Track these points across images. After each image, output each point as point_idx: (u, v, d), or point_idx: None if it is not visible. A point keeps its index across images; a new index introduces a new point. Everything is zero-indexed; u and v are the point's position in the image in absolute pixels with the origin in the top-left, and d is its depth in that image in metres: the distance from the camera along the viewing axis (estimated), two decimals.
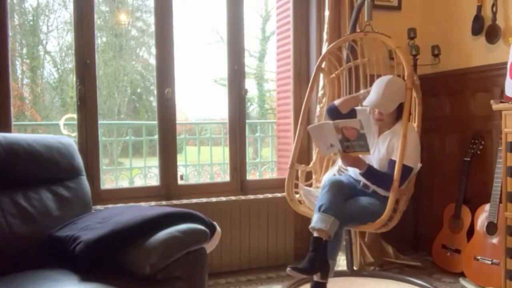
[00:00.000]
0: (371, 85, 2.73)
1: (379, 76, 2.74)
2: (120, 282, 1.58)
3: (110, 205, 2.59)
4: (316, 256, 2.24)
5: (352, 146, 2.32)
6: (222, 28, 8.31)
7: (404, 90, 2.43)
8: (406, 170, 2.37)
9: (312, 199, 2.54)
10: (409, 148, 2.35)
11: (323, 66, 2.88)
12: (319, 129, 2.43)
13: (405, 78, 2.48)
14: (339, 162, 2.75)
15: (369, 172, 2.38)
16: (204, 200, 2.89)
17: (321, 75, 2.96)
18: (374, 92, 2.48)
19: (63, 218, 1.95)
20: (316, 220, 2.27)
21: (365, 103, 2.52)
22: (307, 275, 2.28)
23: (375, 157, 2.46)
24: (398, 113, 2.45)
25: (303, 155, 3.09)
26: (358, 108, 2.61)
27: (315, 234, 2.26)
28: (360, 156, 2.38)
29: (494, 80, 2.81)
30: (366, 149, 2.31)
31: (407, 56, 2.48)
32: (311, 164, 2.92)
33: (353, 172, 2.54)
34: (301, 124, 2.75)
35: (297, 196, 2.70)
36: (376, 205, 2.38)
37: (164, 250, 1.63)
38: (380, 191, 2.44)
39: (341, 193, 2.36)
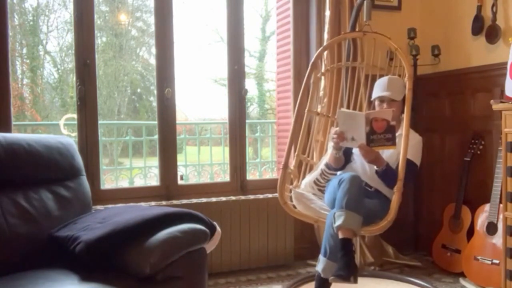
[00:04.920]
0: (371, 85, 2.74)
1: (374, 75, 2.77)
2: (120, 282, 1.58)
3: (110, 205, 2.59)
4: (351, 259, 2.09)
5: (377, 140, 2.21)
6: (222, 28, 8.33)
7: (404, 84, 2.52)
8: (412, 166, 2.36)
9: (308, 202, 2.46)
10: (413, 146, 2.38)
11: (323, 65, 2.89)
12: (348, 117, 2.30)
13: (406, 79, 2.52)
14: (321, 166, 2.68)
15: (386, 170, 2.31)
16: (204, 200, 2.89)
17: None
18: (380, 87, 2.55)
19: (63, 218, 1.95)
20: (345, 218, 2.11)
21: (374, 97, 2.56)
22: (348, 282, 2.07)
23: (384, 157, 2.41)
24: (403, 107, 2.50)
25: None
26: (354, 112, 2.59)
27: (341, 235, 2.12)
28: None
29: (494, 80, 2.81)
30: (393, 143, 2.21)
31: (408, 58, 2.51)
32: (289, 170, 2.68)
33: (353, 172, 2.50)
34: (295, 123, 2.71)
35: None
36: (377, 205, 2.34)
37: (164, 250, 1.63)
38: (384, 191, 2.42)
39: (362, 189, 2.26)
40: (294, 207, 2.52)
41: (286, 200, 2.52)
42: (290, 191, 2.61)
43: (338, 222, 2.13)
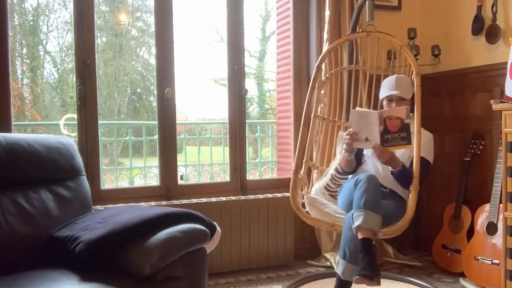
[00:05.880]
0: (375, 86, 2.74)
1: (378, 75, 2.76)
2: (120, 282, 1.58)
3: (110, 205, 2.59)
4: (373, 259, 2.01)
5: (392, 140, 2.16)
6: (222, 28, 8.34)
7: (412, 82, 2.52)
8: (425, 164, 2.35)
9: (322, 207, 2.41)
10: (426, 144, 2.38)
11: (323, 66, 2.89)
12: (361, 116, 2.23)
13: (414, 77, 2.53)
14: (331, 171, 2.64)
15: (401, 171, 2.28)
16: (204, 200, 2.89)
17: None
18: (387, 87, 2.52)
19: (63, 218, 1.95)
20: (364, 218, 2.04)
21: (382, 96, 2.53)
22: (372, 283, 1.98)
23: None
24: (412, 106, 2.49)
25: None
26: (360, 109, 2.57)
27: (361, 236, 2.05)
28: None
29: (494, 80, 2.81)
30: (408, 142, 2.17)
31: (413, 55, 2.53)
32: (299, 175, 2.63)
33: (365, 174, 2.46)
34: (304, 126, 2.69)
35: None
36: (392, 206, 2.29)
37: (164, 250, 1.63)
38: (399, 191, 2.38)
39: (379, 189, 2.21)
40: (307, 213, 2.46)
41: (299, 206, 2.45)
42: (302, 197, 2.56)
43: (357, 222, 2.06)
